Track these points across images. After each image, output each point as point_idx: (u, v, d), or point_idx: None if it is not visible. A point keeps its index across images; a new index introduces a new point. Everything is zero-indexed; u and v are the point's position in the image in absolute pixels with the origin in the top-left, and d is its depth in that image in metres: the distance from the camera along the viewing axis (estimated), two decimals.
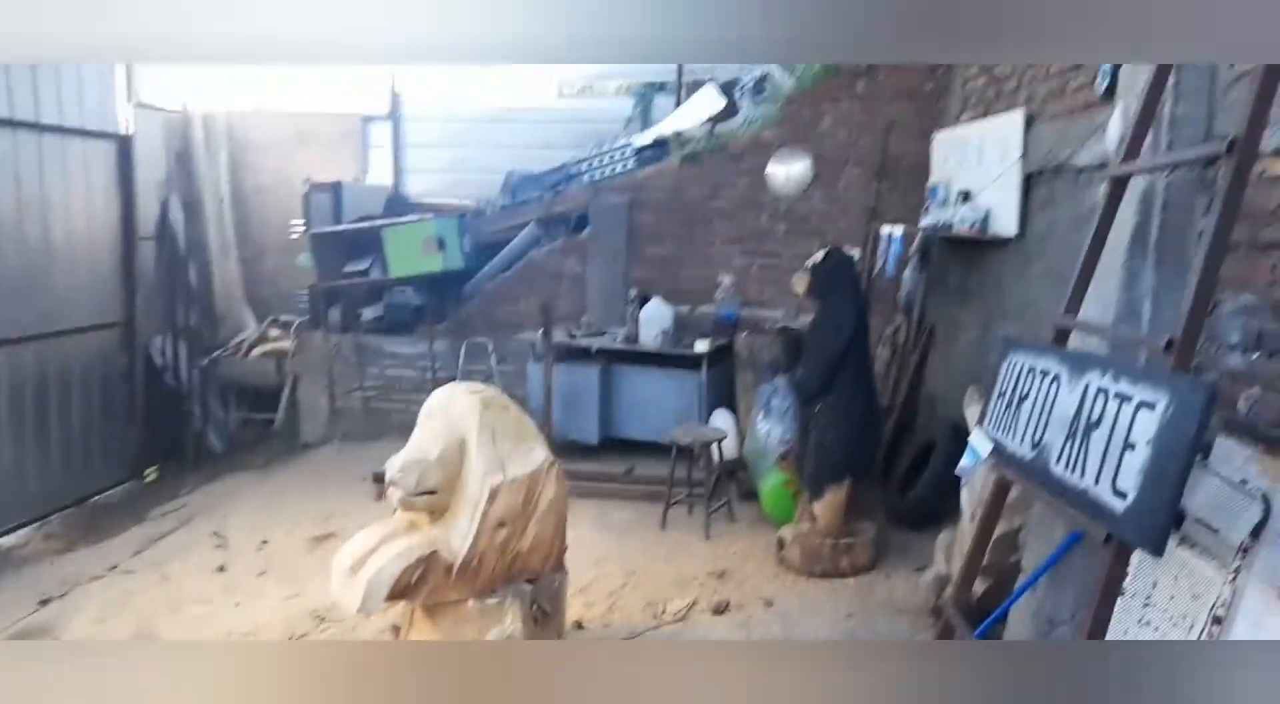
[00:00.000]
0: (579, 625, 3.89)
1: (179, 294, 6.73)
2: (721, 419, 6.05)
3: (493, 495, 3.16)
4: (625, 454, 6.21)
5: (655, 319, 6.22)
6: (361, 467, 5.98)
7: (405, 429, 3.33)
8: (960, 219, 4.98)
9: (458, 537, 3.15)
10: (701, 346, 6.02)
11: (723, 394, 6.28)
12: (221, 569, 4.59)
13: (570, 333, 6.46)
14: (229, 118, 7.96)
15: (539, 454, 3.35)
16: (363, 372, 7.06)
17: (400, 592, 3.06)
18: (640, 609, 4.10)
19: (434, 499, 3.17)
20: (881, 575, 4.48)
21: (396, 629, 3.60)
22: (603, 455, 6.26)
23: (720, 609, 4.08)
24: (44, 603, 4.27)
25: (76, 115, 5.67)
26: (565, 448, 5.85)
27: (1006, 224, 4.60)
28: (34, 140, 5.33)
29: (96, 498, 5.93)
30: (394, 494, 3.12)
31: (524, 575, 3.35)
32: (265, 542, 4.99)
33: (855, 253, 5.35)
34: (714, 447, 5.16)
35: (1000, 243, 4.74)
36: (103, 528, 5.40)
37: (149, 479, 6.35)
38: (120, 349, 6.15)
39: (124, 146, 6.11)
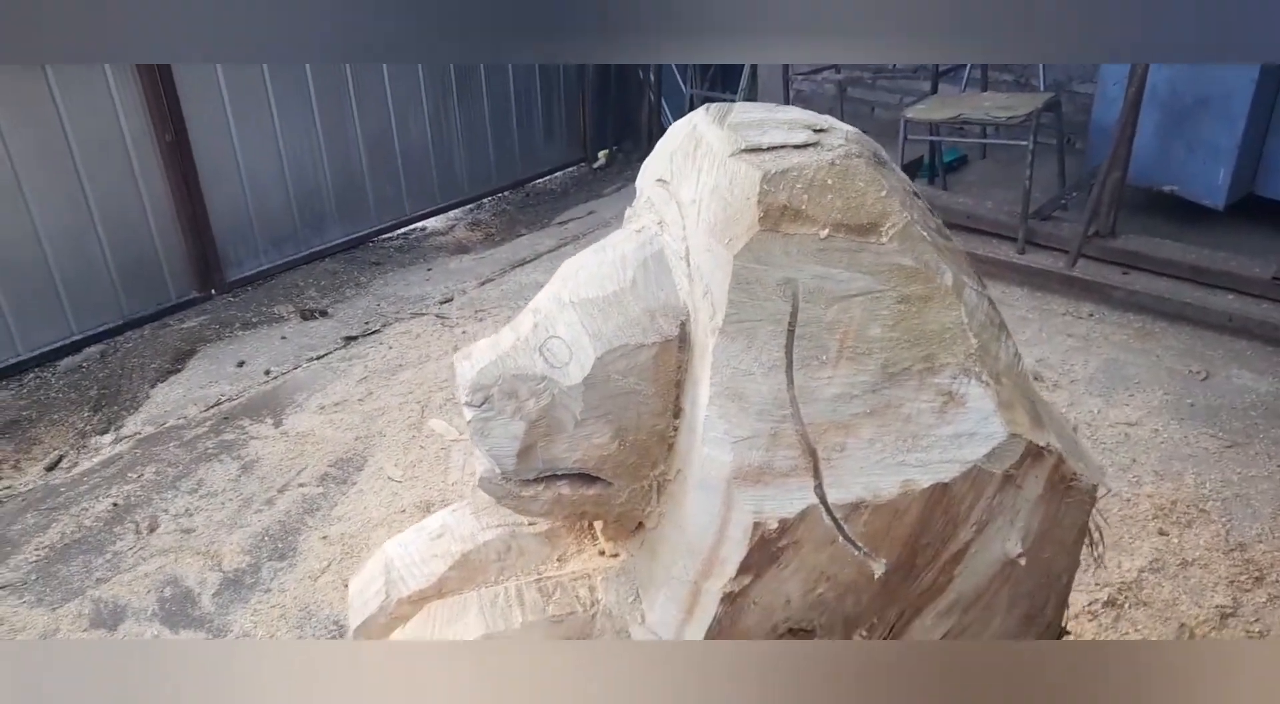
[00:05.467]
0: None
1: None
2: None
3: (768, 551, 0.88)
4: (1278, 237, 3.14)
5: None
6: None
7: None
8: None
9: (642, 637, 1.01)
10: None
11: None
12: None
13: None
14: None
15: (982, 418, 0.89)
16: None
17: None
18: None
19: (590, 496, 1.00)
20: None
21: None
22: (1227, 231, 3.20)
23: None
24: (350, 340, 3.30)
25: None
26: (1143, 205, 3.40)
27: None
28: None
29: (536, 181, 5.20)
30: (477, 457, 1.02)
31: None
32: None
33: None
34: None
35: None
36: (518, 223, 4.60)
37: (598, 164, 5.44)
38: None
39: None
